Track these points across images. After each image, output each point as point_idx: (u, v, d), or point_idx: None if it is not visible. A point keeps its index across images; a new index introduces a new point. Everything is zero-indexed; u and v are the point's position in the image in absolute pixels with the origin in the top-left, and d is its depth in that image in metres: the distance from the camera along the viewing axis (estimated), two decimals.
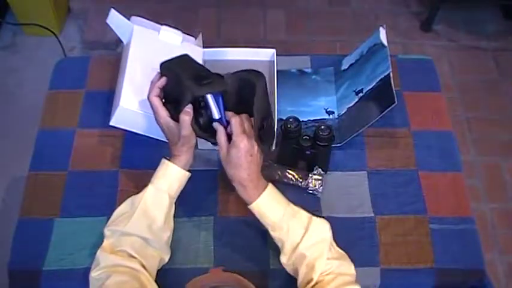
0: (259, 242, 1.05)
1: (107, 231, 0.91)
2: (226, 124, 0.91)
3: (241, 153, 0.87)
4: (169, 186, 0.93)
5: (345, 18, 2.35)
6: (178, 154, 0.94)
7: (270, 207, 0.90)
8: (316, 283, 0.84)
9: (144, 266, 0.88)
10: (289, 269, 0.91)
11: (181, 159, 0.94)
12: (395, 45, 2.20)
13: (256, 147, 0.89)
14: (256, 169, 0.90)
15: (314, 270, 0.85)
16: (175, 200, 0.96)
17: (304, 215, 0.90)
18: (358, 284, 0.85)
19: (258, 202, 0.89)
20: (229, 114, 0.91)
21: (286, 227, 0.88)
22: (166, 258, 0.95)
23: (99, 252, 0.88)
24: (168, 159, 0.95)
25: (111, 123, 1.06)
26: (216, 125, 0.91)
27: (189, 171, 0.97)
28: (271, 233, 0.90)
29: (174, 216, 0.96)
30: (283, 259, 0.90)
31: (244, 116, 0.92)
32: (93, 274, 0.85)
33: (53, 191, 1.11)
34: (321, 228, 0.89)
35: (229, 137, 0.90)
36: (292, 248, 0.88)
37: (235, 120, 0.89)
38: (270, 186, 0.91)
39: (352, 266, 0.89)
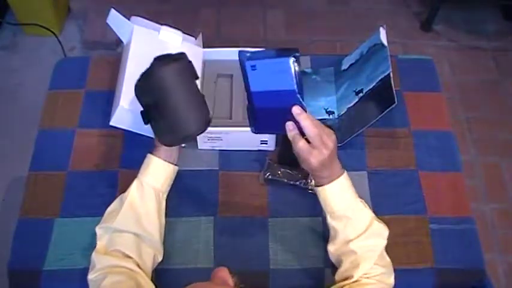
0: (259, 242, 1.05)
1: (98, 230, 0.91)
2: (301, 99, 0.81)
3: (330, 151, 0.83)
4: (153, 179, 0.92)
5: (345, 18, 2.35)
6: (158, 145, 0.93)
7: (337, 196, 0.87)
8: (355, 281, 0.84)
9: (139, 266, 0.88)
10: (332, 257, 0.91)
11: (160, 150, 0.93)
12: (395, 45, 2.20)
13: (334, 135, 0.84)
14: (334, 155, 0.86)
15: (357, 270, 0.84)
16: (165, 194, 0.95)
17: (367, 215, 0.88)
18: None
19: (326, 188, 0.87)
20: (294, 109, 0.83)
21: (345, 221, 0.86)
22: (160, 256, 0.95)
23: (93, 255, 0.88)
24: (150, 153, 0.94)
25: (111, 123, 1.06)
26: (288, 124, 0.83)
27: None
28: (329, 220, 0.89)
29: (174, 216, 0.96)
30: (331, 248, 0.89)
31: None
32: (90, 277, 0.86)
33: (53, 191, 1.11)
34: (379, 234, 0.88)
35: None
36: (345, 241, 0.86)
37: (307, 121, 0.81)
38: (344, 175, 0.89)
39: (393, 276, 0.88)
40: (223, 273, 0.73)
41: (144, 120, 0.88)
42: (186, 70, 0.87)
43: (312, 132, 0.81)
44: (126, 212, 0.89)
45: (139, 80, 0.86)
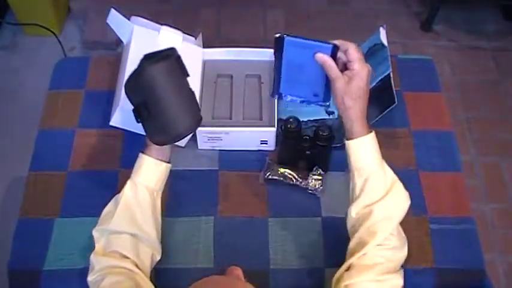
0: (259, 242, 1.05)
1: (95, 233, 0.91)
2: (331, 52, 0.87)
3: (364, 83, 0.83)
4: (146, 178, 0.91)
5: (345, 18, 2.35)
6: (149, 144, 0.92)
7: (369, 151, 0.86)
8: (362, 255, 0.81)
9: (138, 266, 0.88)
10: (349, 224, 0.88)
11: (152, 149, 0.92)
12: (395, 45, 2.20)
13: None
14: (367, 102, 0.86)
15: (373, 238, 0.81)
16: (159, 192, 0.95)
17: (391, 176, 0.87)
18: (401, 272, 0.83)
19: (362, 139, 0.85)
20: (340, 42, 0.87)
21: (372, 180, 0.85)
22: (158, 255, 0.94)
23: (92, 256, 0.88)
24: (142, 152, 0.93)
25: (111, 123, 1.06)
26: (319, 56, 0.86)
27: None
28: (356, 178, 0.86)
29: (174, 216, 0.96)
30: (353, 211, 0.86)
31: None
32: (89, 278, 0.86)
33: (53, 191, 1.11)
34: (400, 200, 0.86)
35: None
36: (368, 203, 0.84)
37: (353, 47, 0.85)
38: (373, 133, 0.88)
39: (405, 248, 0.86)
40: (239, 271, 0.77)
41: (136, 119, 0.87)
42: (175, 68, 0.85)
43: (356, 55, 0.84)
44: (121, 213, 0.89)
45: (128, 80, 0.85)
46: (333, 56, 0.86)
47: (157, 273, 0.98)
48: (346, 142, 0.88)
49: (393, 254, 0.83)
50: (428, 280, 1.02)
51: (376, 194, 0.85)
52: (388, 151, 1.16)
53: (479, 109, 2.09)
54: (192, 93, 0.89)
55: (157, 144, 0.89)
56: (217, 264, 1.02)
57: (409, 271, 1.02)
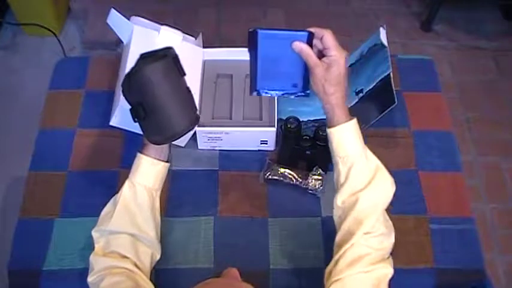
0: (259, 242, 1.05)
1: (94, 233, 0.90)
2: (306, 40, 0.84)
3: (343, 68, 0.83)
4: (144, 178, 0.91)
5: (345, 18, 2.35)
6: (147, 143, 0.92)
7: (352, 138, 0.85)
8: (350, 246, 0.80)
9: (137, 266, 0.88)
10: (336, 214, 0.87)
11: (150, 148, 0.92)
12: (395, 45, 2.20)
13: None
14: (346, 89, 0.86)
15: (361, 226, 0.81)
16: (158, 192, 0.94)
17: (375, 161, 0.86)
18: (390, 260, 0.83)
19: (343, 126, 0.84)
20: (314, 29, 0.85)
21: (356, 167, 0.84)
22: (158, 255, 0.94)
23: (91, 257, 0.88)
24: (140, 151, 0.93)
25: (111, 123, 1.06)
26: (297, 44, 0.84)
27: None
28: (340, 166, 0.85)
29: (174, 216, 0.96)
30: (339, 200, 0.85)
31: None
32: (89, 279, 0.86)
33: (53, 191, 1.11)
34: (385, 185, 0.86)
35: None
36: (353, 191, 0.84)
37: (329, 33, 0.83)
38: (355, 119, 0.87)
39: (393, 235, 0.86)
40: (236, 272, 0.78)
41: (133, 119, 0.87)
42: (171, 67, 0.85)
43: (332, 41, 0.83)
44: (119, 213, 0.89)
45: (124, 80, 0.85)
46: (309, 43, 0.84)
47: (157, 273, 0.98)
48: (328, 130, 0.87)
49: (381, 241, 0.83)
50: (428, 280, 1.02)
51: (361, 180, 0.84)
52: (388, 151, 1.17)
53: (479, 109, 2.09)
54: (189, 92, 0.89)
55: (154, 144, 0.89)
56: (217, 264, 1.02)
57: (409, 271, 1.02)
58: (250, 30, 0.84)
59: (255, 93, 0.90)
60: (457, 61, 2.23)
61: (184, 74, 0.88)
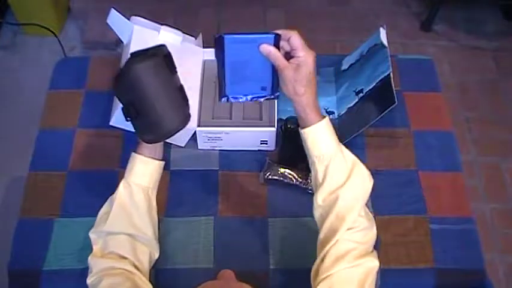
0: (259, 242, 1.05)
1: (91, 235, 0.91)
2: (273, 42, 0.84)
3: (312, 68, 0.83)
4: (139, 177, 0.91)
5: (345, 18, 2.35)
6: (141, 142, 0.92)
7: (326, 136, 0.85)
8: (335, 243, 0.80)
9: (136, 266, 0.88)
10: (317, 212, 0.87)
11: (143, 147, 0.92)
12: (395, 45, 2.20)
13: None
14: (316, 89, 0.86)
15: (343, 222, 0.81)
16: (154, 190, 0.94)
17: (351, 157, 0.87)
18: (374, 253, 0.83)
19: (317, 126, 0.85)
20: (282, 31, 0.84)
21: (333, 165, 0.84)
22: (156, 254, 0.94)
23: (90, 259, 0.88)
24: (134, 151, 0.93)
25: (111, 123, 1.06)
26: (264, 46, 0.83)
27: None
28: (317, 165, 0.85)
29: (174, 216, 0.96)
30: (319, 198, 0.85)
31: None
32: (88, 281, 0.86)
33: (53, 191, 1.11)
34: (363, 179, 0.86)
35: None
36: (333, 189, 0.84)
37: (296, 34, 0.83)
38: (328, 117, 0.87)
39: (375, 227, 0.85)
40: (231, 273, 0.79)
41: (125, 118, 0.87)
42: (162, 66, 0.84)
43: (299, 42, 0.82)
44: (116, 214, 0.89)
45: (115, 79, 0.84)
46: (276, 45, 0.84)
47: (157, 274, 0.98)
48: (302, 131, 0.87)
49: (364, 235, 0.83)
50: (428, 280, 1.02)
51: (339, 178, 0.84)
52: (388, 151, 1.17)
53: (479, 109, 2.09)
54: (181, 90, 0.88)
55: (147, 143, 0.89)
56: (217, 264, 1.02)
57: (409, 271, 1.02)
58: (216, 36, 0.84)
59: (224, 99, 0.90)
60: (457, 61, 2.23)
61: (176, 72, 0.87)
